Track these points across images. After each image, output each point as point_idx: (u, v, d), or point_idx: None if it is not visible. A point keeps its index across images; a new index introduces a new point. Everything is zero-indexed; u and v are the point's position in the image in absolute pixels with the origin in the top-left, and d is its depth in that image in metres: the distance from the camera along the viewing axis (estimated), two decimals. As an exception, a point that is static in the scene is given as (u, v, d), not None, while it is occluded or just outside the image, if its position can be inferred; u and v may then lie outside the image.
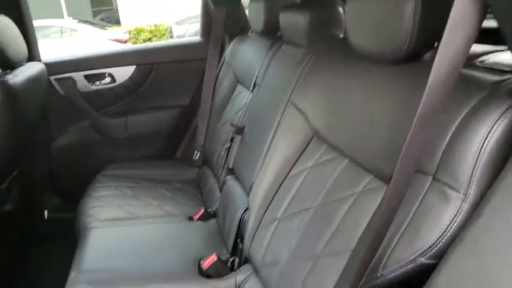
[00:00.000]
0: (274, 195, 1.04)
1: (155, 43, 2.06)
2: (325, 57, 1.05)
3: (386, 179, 0.70)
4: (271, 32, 1.46)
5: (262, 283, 0.97)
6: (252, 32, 1.74)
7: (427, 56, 0.72)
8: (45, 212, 1.81)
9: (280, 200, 1.01)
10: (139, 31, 9.80)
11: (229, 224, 1.22)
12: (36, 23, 1.81)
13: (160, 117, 1.93)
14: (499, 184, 0.47)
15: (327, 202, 0.84)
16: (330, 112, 0.93)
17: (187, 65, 1.90)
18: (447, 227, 0.52)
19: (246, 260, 1.10)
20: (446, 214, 0.52)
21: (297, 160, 1.02)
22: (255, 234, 1.05)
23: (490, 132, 0.52)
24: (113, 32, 8.62)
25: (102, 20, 13.76)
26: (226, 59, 1.79)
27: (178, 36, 8.17)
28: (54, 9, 11.98)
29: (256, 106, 1.36)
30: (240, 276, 1.05)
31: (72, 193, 1.69)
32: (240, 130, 1.40)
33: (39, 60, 1.72)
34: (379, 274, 0.57)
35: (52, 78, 1.75)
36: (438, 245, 0.52)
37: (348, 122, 0.85)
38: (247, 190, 1.18)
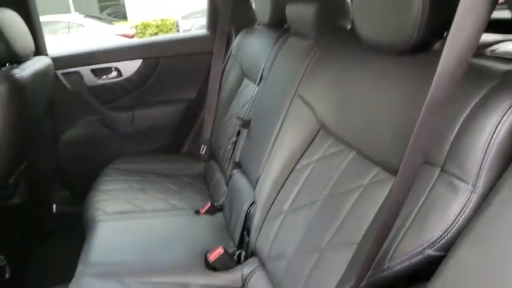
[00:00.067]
0: (280, 189, 1.04)
1: (161, 36, 2.05)
2: (332, 48, 1.04)
3: (393, 171, 0.69)
4: (278, 24, 1.45)
5: (268, 276, 0.97)
6: (258, 24, 1.72)
7: (436, 46, 0.71)
8: (54, 206, 1.83)
9: (287, 193, 1.00)
10: (146, 26, 9.82)
11: (236, 217, 1.22)
12: (43, 18, 1.82)
13: (167, 111, 1.94)
14: (509, 175, 0.47)
15: (333, 195, 0.84)
16: (337, 104, 0.92)
17: (193, 58, 1.89)
18: (455, 219, 0.51)
19: (252, 253, 1.10)
20: (455, 206, 0.51)
21: (303, 153, 1.02)
22: (261, 227, 1.05)
23: (500, 122, 0.50)
24: (120, 27, 8.64)
25: (109, 15, 13.80)
26: (232, 52, 1.79)
27: (184, 31, 8.16)
28: (61, 4, 12.02)
29: (263, 99, 1.35)
30: (246, 269, 1.05)
31: (80, 187, 1.71)
32: (246, 124, 1.39)
33: (46, 55, 1.72)
34: (385, 266, 0.57)
35: (59, 72, 1.76)
36: (446, 237, 0.51)
37: (356, 114, 0.84)
38: (254, 184, 1.18)
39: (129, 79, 1.86)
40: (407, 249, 0.55)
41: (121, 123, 1.90)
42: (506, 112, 0.51)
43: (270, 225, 1.01)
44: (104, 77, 1.84)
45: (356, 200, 0.77)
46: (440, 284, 0.47)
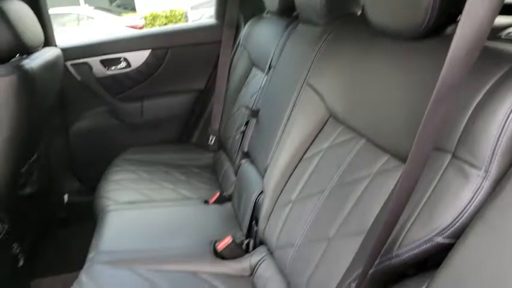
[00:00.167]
0: (288, 178, 1.04)
1: (169, 26, 2.04)
2: (342, 35, 1.03)
3: (403, 159, 0.68)
4: (287, 12, 1.43)
5: (276, 264, 0.97)
6: (267, 13, 1.70)
7: (449, 29, 0.69)
8: (65, 196, 1.86)
9: (295, 182, 1.00)
10: (154, 17, 9.80)
11: (244, 206, 1.22)
12: (52, 10, 1.82)
13: (176, 102, 1.94)
14: (523, 161, 0.45)
15: (342, 183, 0.83)
16: (347, 92, 0.91)
17: (202, 48, 1.88)
18: (466, 206, 0.50)
19: (260, 242, 1.10)
20: (466, 192, 0.50)
21: (312, 142, 1.01)
22: (269, 216, 1.05)
23: (514, 107, 0.49)
24: (129, 18, 8.65)
25: (118, 6, 13.79)
26: (241, 42, 1.77)
27: (194, 21, 8.13)
28: (71, -3, 12.04)
29: (271, 88, 1.34)
30: (254, 257, 1.05)
31: (91, 177, 1.73)
32: (255, 113, 1.39)
33: (55, 46, 1.73)
34: (394, 254, 0.56)
35: (68, 63, 1.77)
36: (456, 224, 0.50)
37: (366, 102, 0.83)
38: (262, 173, 1.18)
39: (138, 70, 1.86)
40: (417, 236, 0.54)
41: (130, 114, 1.91)
42: (520, 97, 0.49)
43: (279, 214, 1.01)
44: (113, 67, 1.84)
45: (365, 188, 0.76)
46: (450, 272, 0.46)
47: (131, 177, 1.57)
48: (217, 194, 1.44)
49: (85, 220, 1.47)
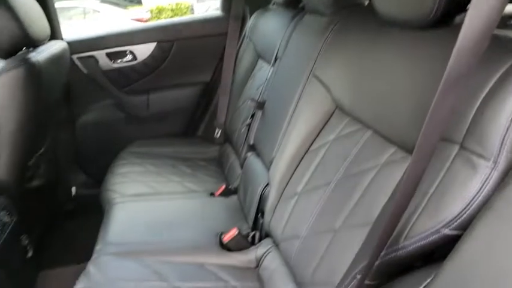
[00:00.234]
0: (294, 170, 1.03)
1: (175, 19, 2.03)
2: (349, 25, 1.01)
3: (410, 150, 0.67)
4: (293, 3, 1.42)
5: (282, 256, 0.97)
6: (273, 4, 1.69)
7: (457, 19, 0.67)
8: (73, 189, 1.87)
9: (301, 175, 1.00)
10: (160, 10, 9.78)
11: (250, 199, 1.22)
12: (58, 4, 1.82)
13: (182, 95, 1.94)
14: (533, 151, 0.44)
15: (348, 175, 0.83)
16: (353, 83, 0.90)
17: (207, 40, 1.87)
18: (473, 197, 0.49)
19: (266, 235, 1.10)
20: (473, 184, 0.49)
21: (318, 134, 1.00)
22: (275, 208, 1.05)
23: (524, 96, 0.48)
24: (135, 11, 8.64)
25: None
26: (247, 34, 1.76)
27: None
28: (78, -9, 12.03)
29: (277, 80, 1.33)
30: (260, 250, 1.05)
31: (97, 170, 1.74)
32: (260, 105, 1.38)
33: (61, 39, 1.73)
34: (400, 246, 0.56)
35: (74, 57, 1.77)
36: (463, 216, 0.50)
37: (372, 93, 0.82)
38: (268, 166, 1.18)
39: (143, 62, 1.86)
40: (423, 228, 0.53)
41: (136, 107, 1.91)
42: (531, 86, 0.48)
43: (284, 206, 1.01)
44: (119, 60, 1.85)
45: (372, 180, 0.75)
46: (456, 263, 0.46)
47: (137, 170, 1.58)
48: (223, 186, 1.44)
49: (92, 212, 1.48)
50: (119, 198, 1.39)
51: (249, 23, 1.77)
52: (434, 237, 0.52)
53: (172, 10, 9.76)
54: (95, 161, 1.86)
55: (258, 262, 1.04)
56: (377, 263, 0.58)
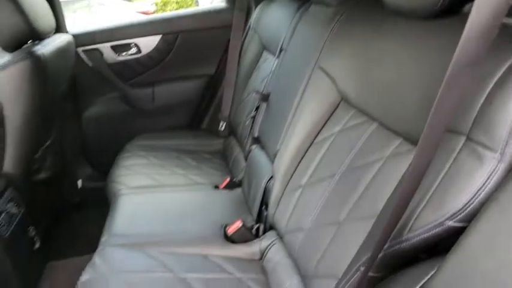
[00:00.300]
0: (299, 162, 1.03)
1: (179, 11, 2.01)
2: (355, 16, 1.00)
3: (416, 142, 0.66)
4: (299, -6, 1.40)
5: (286, 249, 0.97)
6: (279, -6, 1.67)
7: (466, 7, 0.66)
8: (79, 181, 1.89)
9: (306, 167, 0.99)
10: (165, 3, 9.74)
11: (254, 192, 1.22)
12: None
13: (187, 87, 1.93)
14: (541, 142, 0.44)
15: (353, 167, 0.82)
16: (359, 74, 0.89)
17: (212, 32, 1.86)
18: (479, 189, 0.48)
19: (270, 227, 1.10)
20: (479, 175, 0.49)
21: (323, 126, 1.00)
22: (279, 201, 1.05)
23: (533, 86, 0.47)
24: (140, 4, 8.62)
25: (129, -7, 13.73)
26: (252, 25, 1.75)
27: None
28: (83, -16, 12.01)
29: (282, 71, 1.33)
30: (264, 242, 1.05)
31: (103, 163, 1.75)
32: (265, 97, 1.37)
33: (66, 32, 1.73)
34: (404, 238, 0.55)
35: (79, 50, 1.77)
36: (468, 208, 0.49)
37: (378, 84, 0.81)
38: (272, 158, 1.17)
39: (148, 55, 1.86)
40: (427, 220, 0.53)
41: (141, 100, 1.91)
42: (539, 76, 0.47)
43: (289, 199, 1.01)
44: (124, 53, 1.84)
45: (377, 172, 0.75)
46: (459, 256, 0.45)
47: (142, 163, 1.59)
48: (228, 179, 1.44)
49: (98, 205, 1.50)
50: (124, 190, 1.39)
51: (254, 14, 1.75)
52: (438, 229, 0.52)
53: (177, 2, 9.72)
54: (101, 154, 1.87)
55: (262, 254, 1.04)
56: (381, 255, 0.57)
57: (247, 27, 1.80)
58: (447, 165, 0.53)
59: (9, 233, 1.16)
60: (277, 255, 0.98)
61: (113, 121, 1.91)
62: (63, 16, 1.73)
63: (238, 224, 1.10)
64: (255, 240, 1.09)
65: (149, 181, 1.46)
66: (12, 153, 1.21)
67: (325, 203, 0.86)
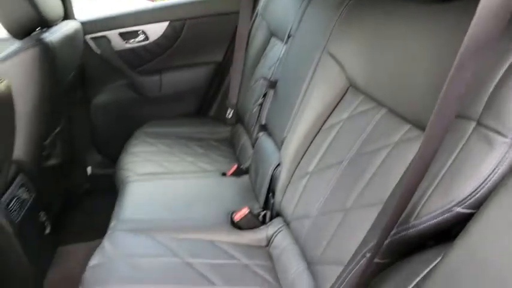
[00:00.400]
0: (306, 149, 1.03)
1: (187, -3, 1.99)
2: (363, 0, 0.98)
3: (425, 128, 0.66)
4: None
5: (292, 235, 0.98)
6: (287, -20, 1.64)
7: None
8: (89, 168, 1.91)
9: (313, 154, 0.99)
10: (173, -10, 9.66)
11: (261, 179, 1.22)
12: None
13: (194, 75, 1.93)
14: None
15: (361, 153, 0.81)
16: (368, 60, 0.87)
17: (219, 19, 1.85)
18: (489, 175, 0.48)
19: (277, 214, 1.10)
20: (489, 161, 0.48)
21: (331, 112, 0.99)
22: (286, 188, 1.05)
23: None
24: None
25: (137, -19, 13.64)
26: (259, 11, 1.73)
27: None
28: (91, -28, 11.97)
29: (290, 58, 1.31)
30: (271, 228, 1.06)
31: (112, 150, 1.76)
32: (273, 84, 1.36)
33: (74, 19, 1.73)
34: (410, 224, 0.55)
35: (87, 37, 1.77)
36: (477, 194, 0.48)
37: (387, 69, 0.80)
38: (279, 145, 1.17)
39: (156, 42, 1.85)
40: (435, 206, 0.52)
41: (149, 88, 1.91)
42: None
43: (295, 186, 1.01)
44: (132, 40, 1.84)
45: (384, 159, 0.74)
46: (465, 243, 0.44)
47: (150, 150, 1.59)
48: (235, 166, 1.44)
49: (107, 191, 1.51)
50: (132, 177, 1.41)
51: (262, 0, 1.73)
52: (446, 215, 0.51)
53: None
54: (110, 141, 1.88)
55: (269, 241, 1.05)
56: (387, 241, 0.57)
57: (255, 13, 1.78)
58: (456, 151, 0.52)
59: (20, 218, 1.18)
60: (283, 242, 0.98)
61: (121, 108, 1.91)
62: (71, 3, 1.72)
63: (245, 210, 1.10)
64: (261, 227, 1.09)
65: (157, 168, 1.46)
66: (23, 140, 1.23)
67: (332, 190, 0.86)
